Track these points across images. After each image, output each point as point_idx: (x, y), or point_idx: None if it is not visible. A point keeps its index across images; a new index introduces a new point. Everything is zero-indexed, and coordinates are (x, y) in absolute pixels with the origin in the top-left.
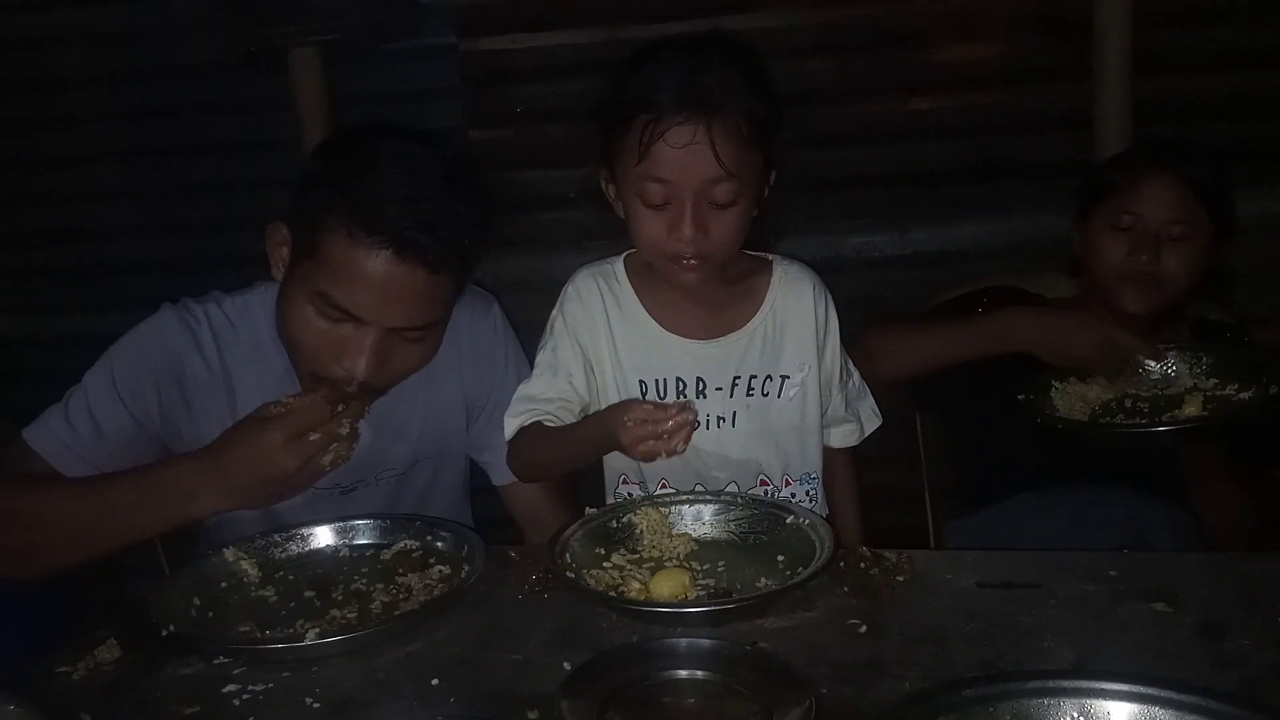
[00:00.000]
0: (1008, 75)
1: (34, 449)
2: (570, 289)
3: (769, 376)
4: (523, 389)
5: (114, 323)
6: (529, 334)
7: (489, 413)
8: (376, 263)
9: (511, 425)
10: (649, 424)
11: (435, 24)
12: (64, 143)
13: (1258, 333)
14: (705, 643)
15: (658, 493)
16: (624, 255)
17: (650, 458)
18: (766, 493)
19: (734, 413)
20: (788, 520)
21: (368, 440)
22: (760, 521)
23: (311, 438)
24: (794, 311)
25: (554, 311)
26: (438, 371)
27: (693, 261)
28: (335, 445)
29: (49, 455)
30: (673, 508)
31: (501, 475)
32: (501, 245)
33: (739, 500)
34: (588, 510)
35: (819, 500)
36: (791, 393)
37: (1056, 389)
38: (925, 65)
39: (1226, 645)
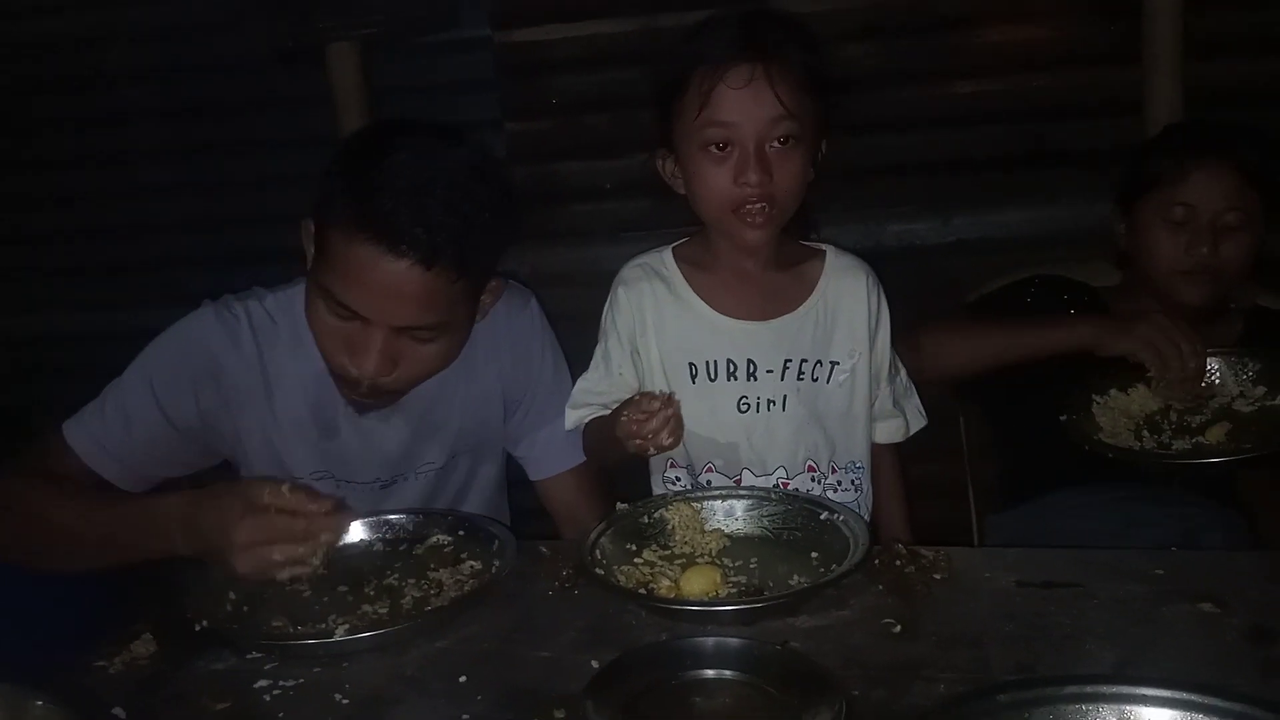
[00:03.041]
0: (1054, 59)
1: (69, 444)
2: (618, 280)
3: (819, 361)
4: (581, 381)
5: (158, 317)
6: (567, 327)
7: (526, 407)
8: (371, 258)
9: (571, 417)
10: (636, 421)
11: (471, 16)
12: (106, 140)
13: None
14: (734, 642)
15: (698, 483)
16: (671, 246)
17: (642, 453)
18: (814, 478)
19: (784, 396)
20: (822, 516)
21: (406, 435)
22: (794, 517)
23: (275, 557)
24: (847, 298)
25: (606, 304)
26: (476, 366)
27: (760, 207)
28: (296, 567)
29: (82, 451)
30: (705, 503)
31: (537, 469)
32: (539, 237)
33: (772, 495)
34: (619, 506)
35: (864, 490)
36: (841, 379)
37: (1098, 404)
38: (969, 49)
39: (1277, 651)
